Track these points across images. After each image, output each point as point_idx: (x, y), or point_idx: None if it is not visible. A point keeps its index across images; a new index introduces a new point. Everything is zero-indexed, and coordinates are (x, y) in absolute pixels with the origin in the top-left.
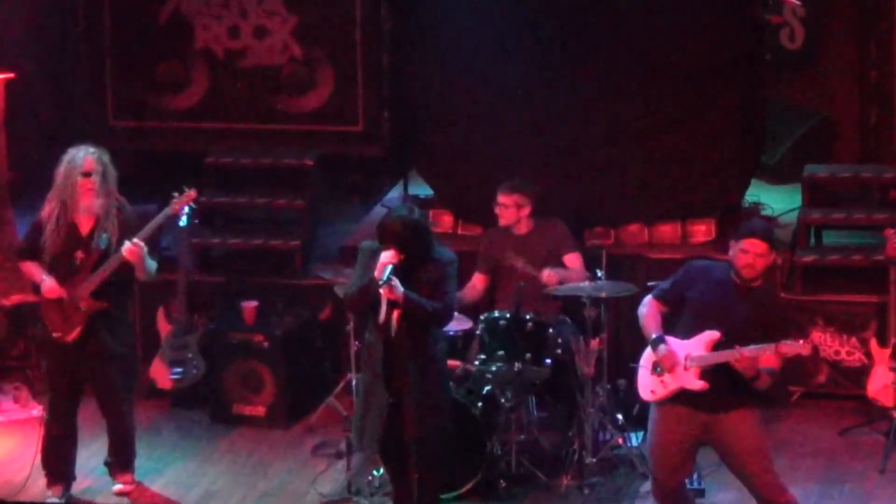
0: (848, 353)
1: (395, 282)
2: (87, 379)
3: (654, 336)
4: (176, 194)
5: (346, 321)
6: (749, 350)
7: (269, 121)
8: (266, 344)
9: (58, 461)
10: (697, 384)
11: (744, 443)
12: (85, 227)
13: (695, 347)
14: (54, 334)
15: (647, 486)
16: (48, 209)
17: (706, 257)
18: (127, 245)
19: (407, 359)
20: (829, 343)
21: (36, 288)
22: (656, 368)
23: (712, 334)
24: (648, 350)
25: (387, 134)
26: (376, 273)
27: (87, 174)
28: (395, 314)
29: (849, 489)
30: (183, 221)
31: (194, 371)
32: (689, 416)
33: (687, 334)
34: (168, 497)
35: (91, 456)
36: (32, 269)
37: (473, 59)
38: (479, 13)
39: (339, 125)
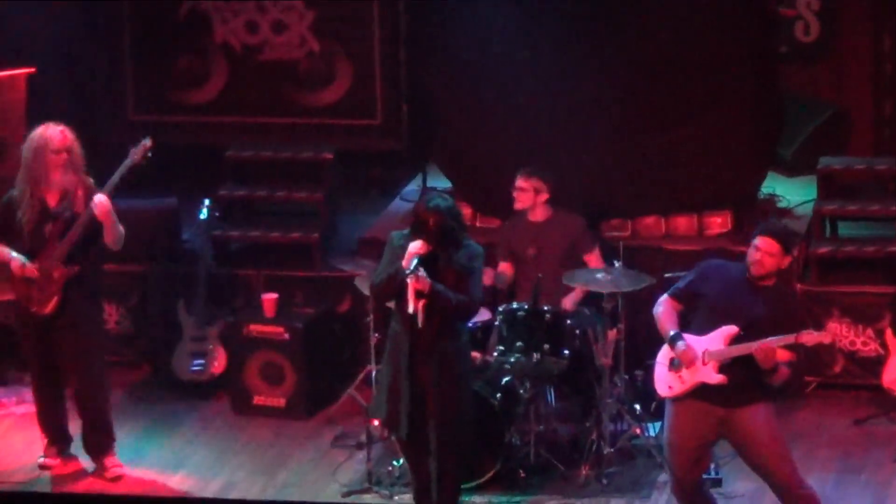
0: (863, 344)
1: (422, 272)
2: (63, 352)
3: (671, 333)
4: (132, 148)
5: (365, 313)
6: (768, 341)
7: (287, 115)
8: (286, 336)
9: (49, 427)
10: (716, 378)
11: (761, 436)
12: (52, 201)
13: (712, 342)
14: (32, 308)
15: (664, 475)
16: (19, 190)
17: (722, 249)
18: (94, 200)
19: (431, 350)
20: (844, 333)
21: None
22: (673, 364)
23: (730, 329)
24: (665, 346)
25: (405, 127)
26: (404, 263)
27: (57, 151)
28: (421, 304)
29: (864, 479)
30: (203, 214)
31: (214, 363)
32: (706, 411)
33: (703, 331)
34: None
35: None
36: None
37: (491, 52)
38: (496, 6)
39: (357, 119)
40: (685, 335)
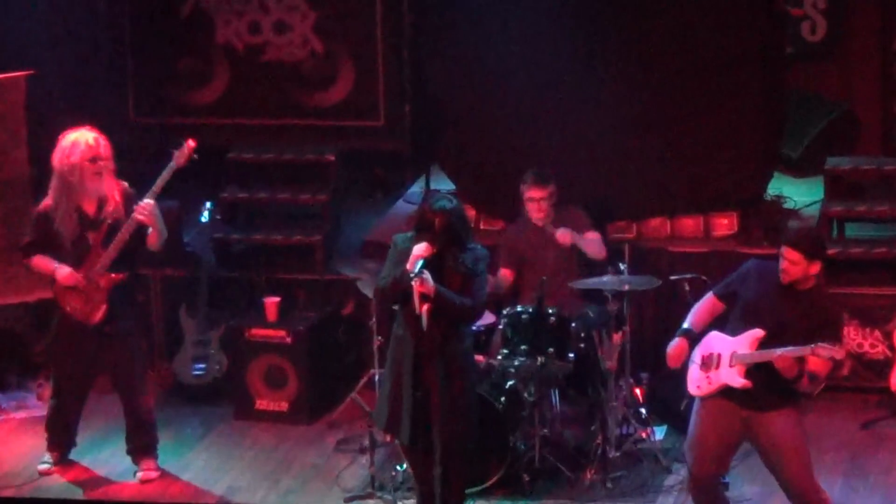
0: (871, 346)
1: (427, 275)
2: (103, 360)
3: (682, 327)
4: (174, 151)
5: (368, 316)
6: (787, 351)
7: (290, 116)
8: (289, 339)
9: (58, 431)
10: (739, 382)
11: (783, 443)
12: (90, 207)
13: (740, 345)
14: (78, 318)
15: (670, 479)
16: (51, 199)
17: (729, 251)
18: (140, 205)
19: (436, 353)
20: (852, 336)
21: (52, 280)
22: (704, 363)
23: (756, 332)
24: (698, 346)
25: (408, 128)
26: (408, 265)
27: (94, 159)
28: (426, 308)
29: (872, 481)
30: (204, 217)
31: (217, 367)
32: (731, 410)
33: (736, 331)
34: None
35: (116, 451)
36: (42, 262)
37: (495, 52)
38: (500, 6)
39: (360, 120)
40: (718, 334)
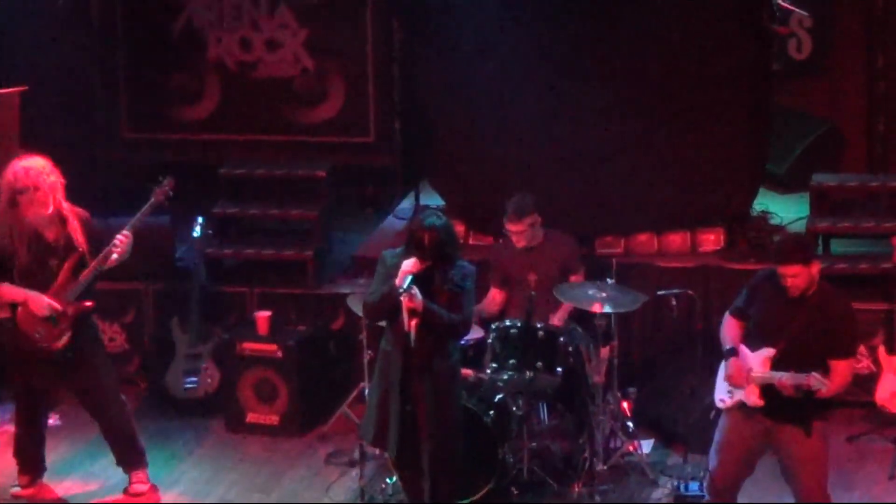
0: (856, 361)
1: (416, 290)
2: (67, 384)
3: (725, 348)
4: (155, 188)
5: (359, 330)
6: (787, 378)
7: (281, 132)
8: (279, 353)
9: (25, 456)
10: (752, 400)
11: (800, 457)
12: (49, 234)
13: (756, 364)
14: (42, 344)
15: (657, 492)
16: (2, 227)
17: (715, 266)
18: (117, 240)
19: (423, 368)
20: None
21: (13, 306)
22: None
23: (768, 352)
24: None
25: (398, 144)
26: (397, 281)
27: (21, 191)
28: (414, 323)
29: (858, 495)
30: (196, 232)
31: (208, 380)
32: (755, 418)
33: (753, 348)
34: (187, 501)
35: (108, 463)
36: (10, 291)
37: (484, 70)
38: (489, 25)
39: (351, 136)
40: (744, 350)
